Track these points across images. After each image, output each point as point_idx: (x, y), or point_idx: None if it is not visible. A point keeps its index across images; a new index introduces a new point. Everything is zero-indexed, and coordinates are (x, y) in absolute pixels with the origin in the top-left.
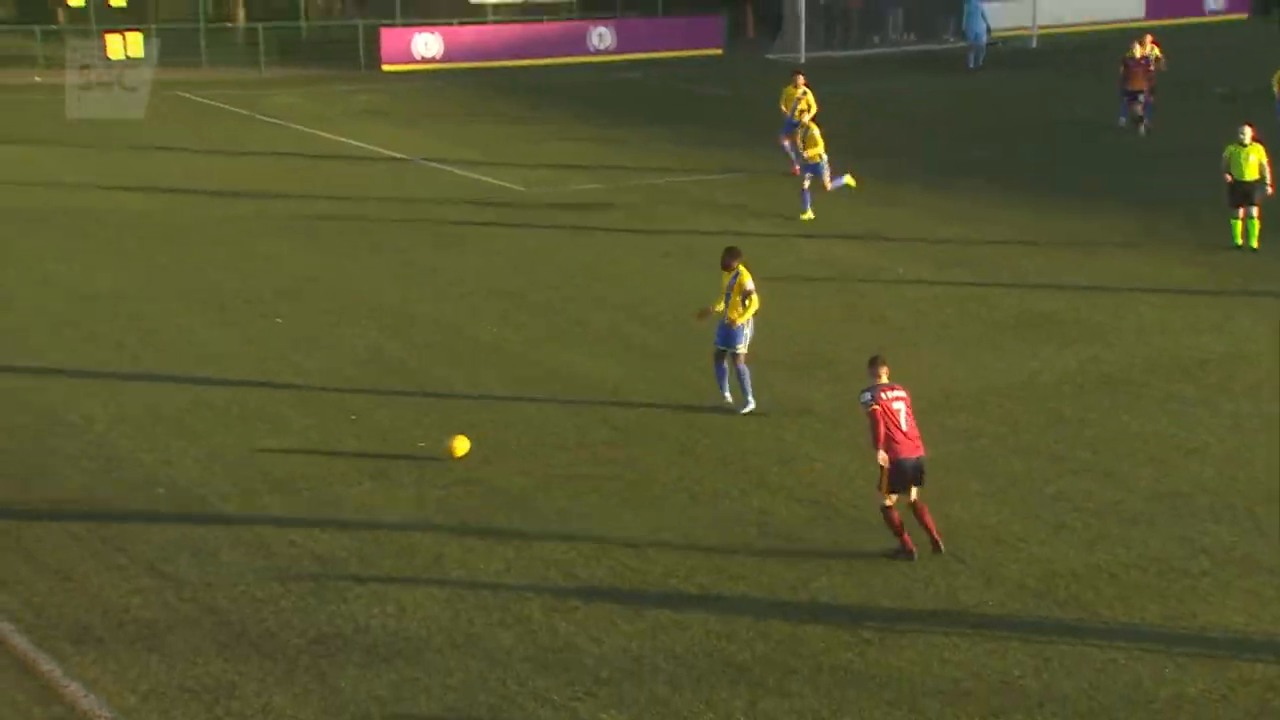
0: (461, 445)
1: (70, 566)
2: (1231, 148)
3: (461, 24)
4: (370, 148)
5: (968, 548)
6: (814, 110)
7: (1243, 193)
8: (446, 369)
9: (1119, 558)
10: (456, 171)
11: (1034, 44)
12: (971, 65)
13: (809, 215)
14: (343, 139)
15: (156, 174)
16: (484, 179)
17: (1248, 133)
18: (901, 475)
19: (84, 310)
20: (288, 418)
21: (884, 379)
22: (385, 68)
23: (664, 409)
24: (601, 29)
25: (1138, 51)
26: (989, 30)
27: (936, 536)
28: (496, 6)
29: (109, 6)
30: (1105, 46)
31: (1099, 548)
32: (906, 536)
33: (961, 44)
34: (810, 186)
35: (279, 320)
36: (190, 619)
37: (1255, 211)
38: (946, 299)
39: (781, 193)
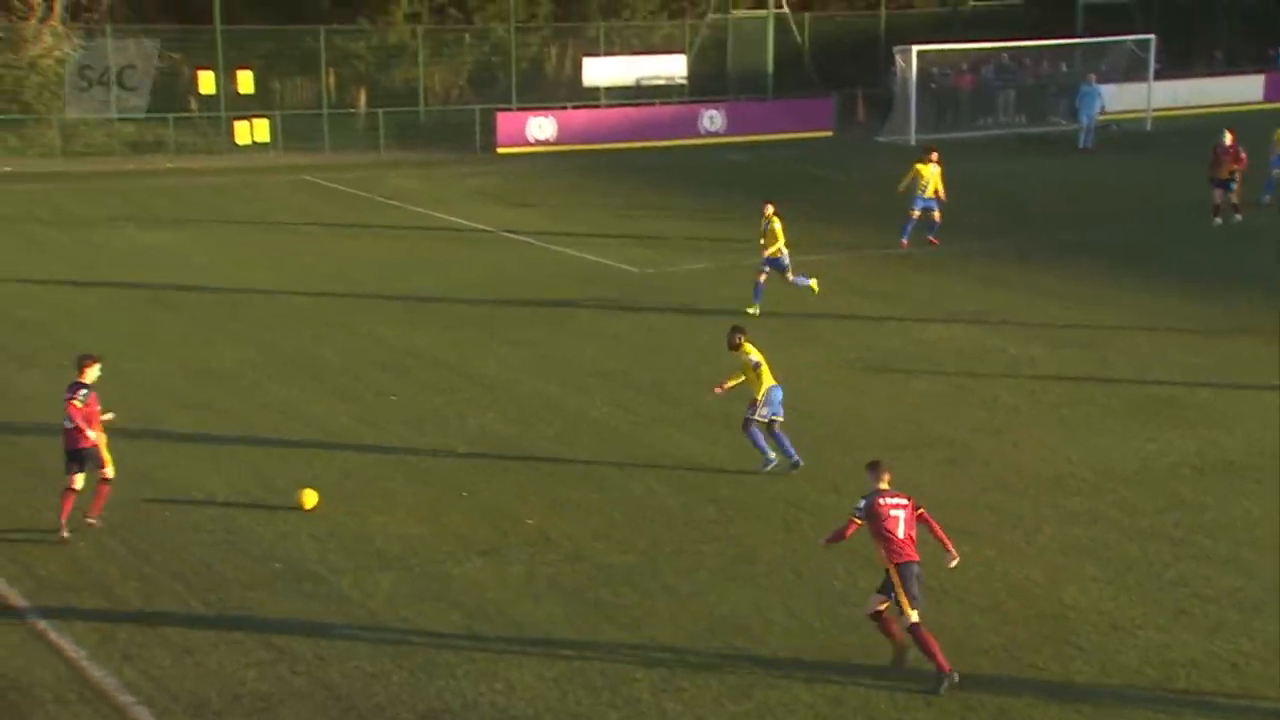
0: (310, 498)
1: (190, 640)
2: None
3: (575, 108)
4: (484, 228)
5: (1084, 633)
6: (941, 191)
7: None
8: (555, 446)
9: (1240, 647)
10: (568, 251)
11: (1149, 127)
12: (1081, 146)
13: (755, 309)
14: (458, 219)
15: (278, 254)
16: (595, 259)
17: None
18: (907, 579)
19: (206, 387)
20: (400, 494)
21: (884, 485)
22: (500, 150)
23: (768, 488)
24: (713, 112)
25: (1228, 139)
26: (1102, 110)
27: (943, 663)
28: (609, 90)
29: (238, 94)
30: (1222, 129)
31: (1219, 636)
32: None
33: (1073, 126)
34: (765, 280)
35: (393, 398)
36: (303, 693)
37: None
38: (1060, 381)
39: (890, 272)
